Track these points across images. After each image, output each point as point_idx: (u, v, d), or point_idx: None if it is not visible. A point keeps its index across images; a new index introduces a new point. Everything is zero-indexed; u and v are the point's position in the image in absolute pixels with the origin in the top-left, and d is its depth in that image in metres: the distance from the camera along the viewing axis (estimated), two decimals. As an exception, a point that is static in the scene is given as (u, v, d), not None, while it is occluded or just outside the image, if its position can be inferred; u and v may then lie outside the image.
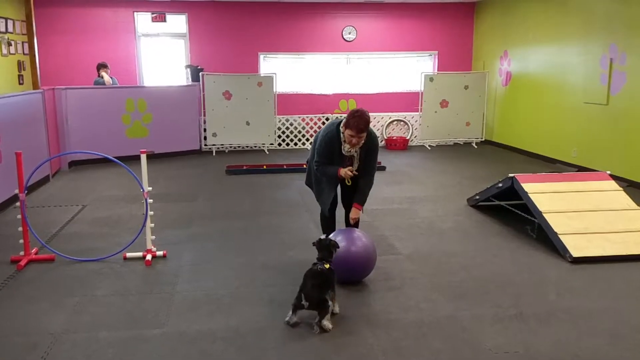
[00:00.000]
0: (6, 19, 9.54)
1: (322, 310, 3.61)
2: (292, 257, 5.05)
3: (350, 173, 4.42)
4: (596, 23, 8.56)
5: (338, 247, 3.93)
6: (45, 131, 8.37)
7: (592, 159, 8.64)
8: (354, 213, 4.60)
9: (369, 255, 4.38)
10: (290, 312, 3.70)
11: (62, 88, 9.19)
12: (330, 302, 3.68)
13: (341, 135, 4.38)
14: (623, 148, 8.02)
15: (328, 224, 4.90)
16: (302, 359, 3.32)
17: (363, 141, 4.34)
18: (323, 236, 3.94)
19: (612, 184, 5.84)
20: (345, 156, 4.48)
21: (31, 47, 10.19)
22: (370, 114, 4.39)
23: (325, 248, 3.86)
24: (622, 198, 5.66)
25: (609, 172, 6.07)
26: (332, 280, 3.76)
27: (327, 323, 3.62)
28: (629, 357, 3.34)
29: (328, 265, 3.78)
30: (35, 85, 10.13)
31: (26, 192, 4.96)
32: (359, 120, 4.21)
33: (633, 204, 5.57)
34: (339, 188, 4.79)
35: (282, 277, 4.58)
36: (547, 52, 9.93)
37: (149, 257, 4.91)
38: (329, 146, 4.44)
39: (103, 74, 10.06)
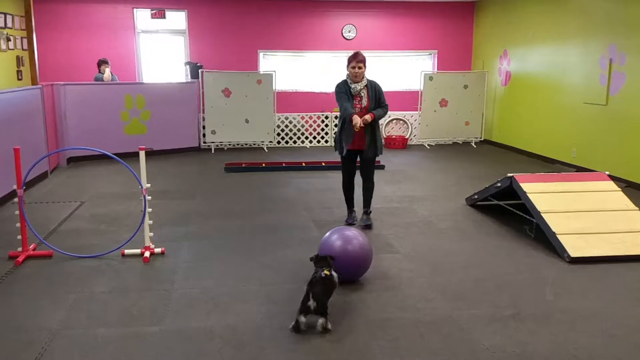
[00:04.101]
0: (5, 14, 9.52)
1: (325, 312, 3.62)
2: (290, 255, 5.04)
3: (359, 123, 5.44)
4: (596, 23, 8.56)
5: (334, 259, 3.95)
6: (44, 127, 8.36)
7: (591, 159, 8.65)
8: (365, 116, 5.53)
9: (366, 254, 4.37)
10: (298, 316, 3.63)
11: (61, 84, 9.19)
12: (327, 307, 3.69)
13: (348, 80, 5.67)
14: (622, 149, 8.02)
15: (348, 186, 6.01)
16: (299, 357, 3.33)
17: (363, 72, 5.59)
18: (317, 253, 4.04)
19: (611, 185, 5.84)
20: (354, 96, 5.67)
21: (30, 43, 10.15)
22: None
23: (322, 260, 3.90)
24: (621, 198, 5.66)
25: (607, 172, 6.08)
26: (335, 285, 3.81)
27: (329, 324, 3.62)
28: (626, 358, 3.34)
29: (328, 272, 3.79)
30: (34, 81, 10.10)
31: (24, 188, 4.96)
32: (355, 54, 5.63)
33: (631, 205, 5.57)
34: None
35: (280, 275, 4.58)
36: (547, 52, 9.92)
37: (147, 254, 4.90)
38: (339, 90, 5.74)
39: (104, 69, 10.05)
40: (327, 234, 4.47)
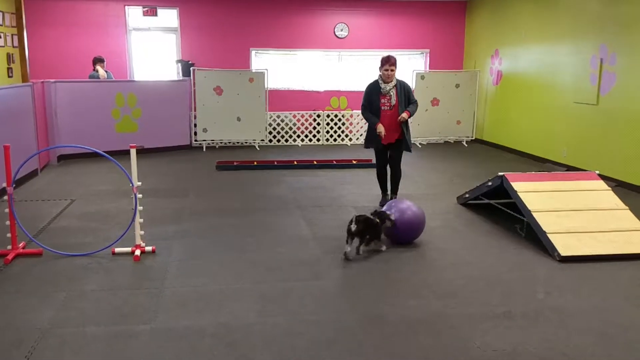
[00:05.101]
0: (-5, 11, 9.45)
1: (363, 238, 4.80)
2: (282, 253, 5.04)
3: (382, 133, 6.19)
4: (587, 23, 8.61)
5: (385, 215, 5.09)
6: (34, 124, 8.30)
7: (581, 158, 8.70)
8: (402, 114, 6.22)
9: (420, 220, 5.29)
10: (346, 244, 4.77)
11: (51, 81, 9.12)
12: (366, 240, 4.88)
13: (379, 80, 6.28)
14: (612, 148, 8.08)
15: (381, 176, 6.74)
16: (291, 355, 3.32)
17: (395, 73, 6.21)
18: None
19: (601, 184, 5.88)
20: (383, 95, 6.26)
21: (21, 40, 10.10)
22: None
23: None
24: (611, 198, 5.69)
25: (597, 171, 6.11)
26: (378, 229, 4.98)
27: (365, 248, 4.92)
28: (616, 356, 3.36)
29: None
30: (24, 78, 10.05)
31: (14, 185, 4.93)
32: (388, 57, 6.22)
33: (621, 204, 5.61)
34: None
35: (272, 273, 4.57)
36: (538, 52, 9.97)
37: (137, 252, 4.88)
38: (369, 90, 6.38)
39: (98, 68, 9.99)
40: (386, 206, 5.39)
